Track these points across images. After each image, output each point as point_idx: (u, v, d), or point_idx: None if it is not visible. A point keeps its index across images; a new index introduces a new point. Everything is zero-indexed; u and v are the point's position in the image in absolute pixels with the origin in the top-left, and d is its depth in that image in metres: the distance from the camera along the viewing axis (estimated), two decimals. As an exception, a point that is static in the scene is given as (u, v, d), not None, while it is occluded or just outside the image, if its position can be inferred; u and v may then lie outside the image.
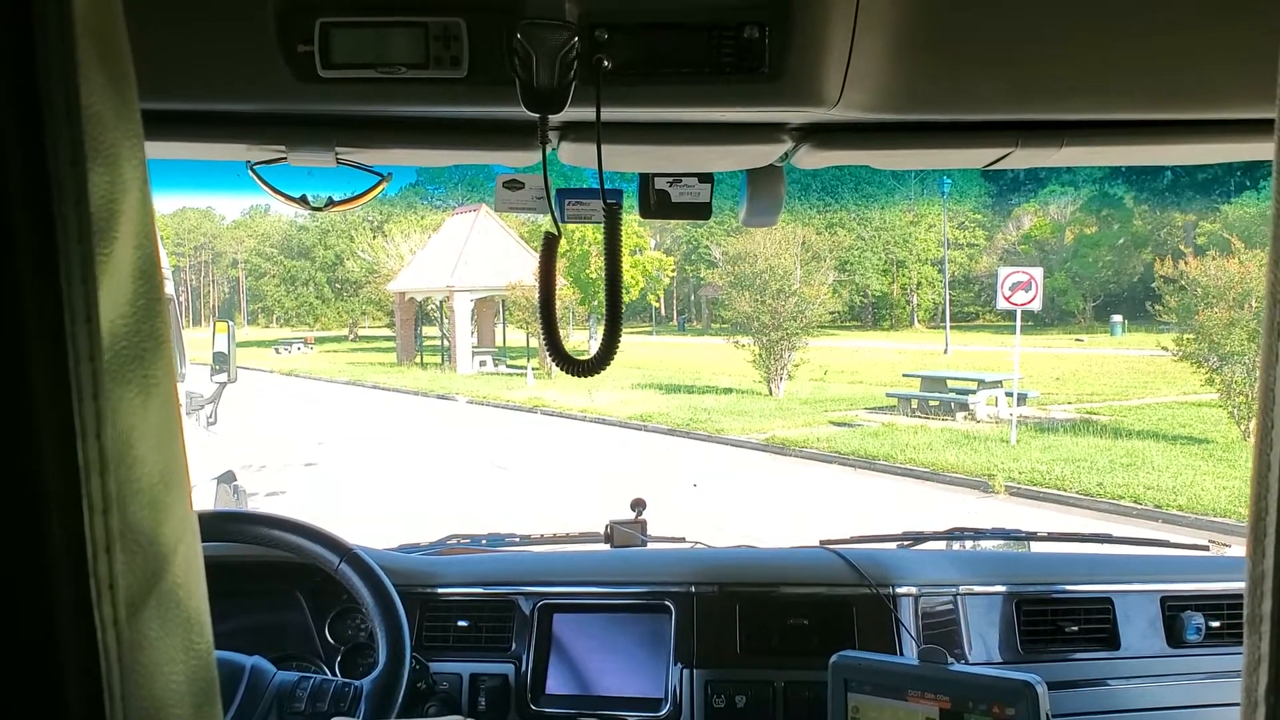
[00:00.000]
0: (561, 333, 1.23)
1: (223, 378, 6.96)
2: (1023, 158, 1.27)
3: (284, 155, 1.23)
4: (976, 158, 1.29)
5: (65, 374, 0.34)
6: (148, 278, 0.38)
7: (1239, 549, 2.35)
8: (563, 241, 1.21)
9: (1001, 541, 2.35)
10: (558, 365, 1.19)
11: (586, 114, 1.04)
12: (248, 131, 1.17)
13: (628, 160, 1.32)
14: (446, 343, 31.49)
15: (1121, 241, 41.50)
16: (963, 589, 1.89)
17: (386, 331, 49.22)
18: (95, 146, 0.35)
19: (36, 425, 0.33)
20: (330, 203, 1.35)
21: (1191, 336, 14.13)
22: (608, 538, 2.27)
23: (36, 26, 0.33)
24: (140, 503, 0.36)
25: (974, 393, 16.89)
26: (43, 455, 0.33)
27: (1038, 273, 15.50)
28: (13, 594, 0.34)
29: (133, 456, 0.36)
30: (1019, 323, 15.98)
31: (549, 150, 1.20)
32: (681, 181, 1.41)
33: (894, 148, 1.24)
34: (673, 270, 35.13)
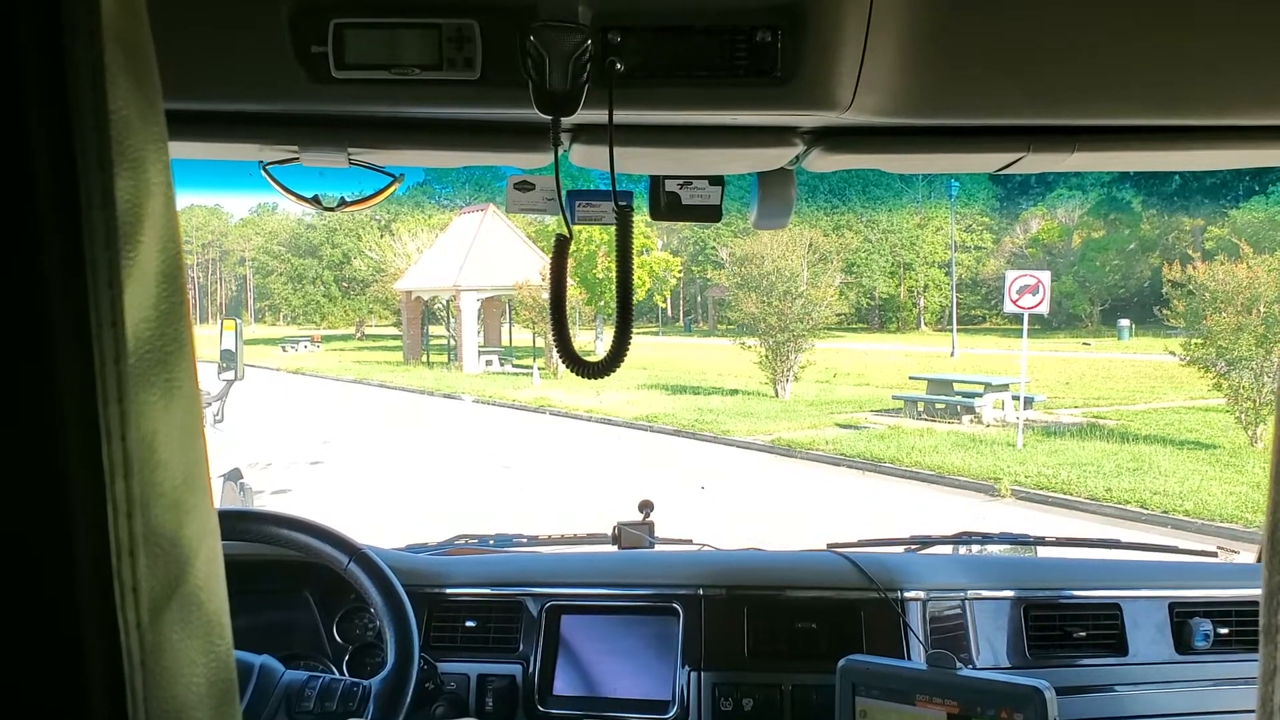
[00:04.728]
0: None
1: (230, 375, 6.96)
2: (1034, 162, 1.26)
3: (296, 155, 1.23)
4: (988, 162, 1.29)
5: (91, 377, 0.34)
6: (171, 281, 0.38)
7: (1248, 555, 2.34)
8: (570, 242, 1.21)
9: (1009, 546, 2.34)
10: (568, 367, 1.19)
11: (599, 116, 1.04)
12: (260, 132, 1.17)
13: (639, 162, 1.32)
14: (453, 342, 31.51)
15: (1129, 246, 41.37)
16: (971, 593, 1.89)
17: (393, 330, 49.25)
18: (121, 150, 0.35)
19: (63, 428, 0.33)
20: (342, 203, 1.35)
21: (1199, 341, 14.10)
22: (615, 539, 2.27)
23: (66, 32, 0.33)
24: (163, 505, 0.37)
25: (980, 396, 16.85)
26: (69, 458, 0.33)
27: (1045, 276, 15.48)
28: (39, 597, 0.34)
29: (156, 459, 0.36)
30: (1026, 326, 15.97)
31: (560, 152, 1.20)
32: (692, 184, 1.41)
33: (905, 151, 1.24)
34: (679, 271, 35.04)
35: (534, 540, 2.34)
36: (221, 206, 75.55)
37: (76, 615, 0.34)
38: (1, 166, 0.32)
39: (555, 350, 1.22)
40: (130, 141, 0.35)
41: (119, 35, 0.35)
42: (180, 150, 1.23)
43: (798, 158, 1.28)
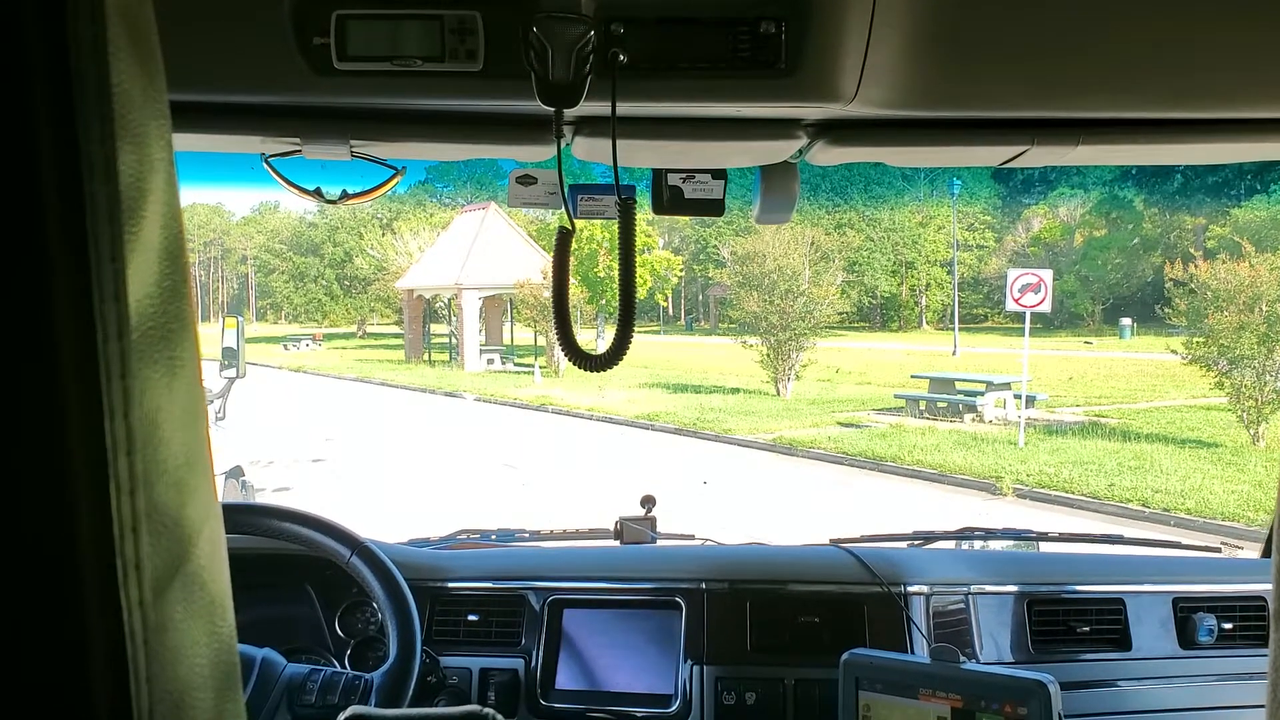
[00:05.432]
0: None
1: (231, 373, 6.98)
2: (1038, 155, 1.26)
3: (298, 148, 1.23)
4: (992, 155, 1.28)
5: (94, 352, 0.33)
6: (174, 259, 0.38)
7: (1252, 551, 2.34)
8: (573, 235, 1.21)
9: (1012, 541, 2.34)
10: (571, 359, 1.19)
11: (601, 108, 1.04)
12: (262, 123, 1.17)
13: (642, 155, 1.32)
14: (454, 340, 31.51)
15: (1131, 244, 41.31)
16: (974, 588, 1.88)
17: (394, 329, 49.27)
18: (124, 125, 0.35)
19: (65, 403, 0.33)
20: (344, 195, 1.35)
21: (1201, 340, 14.10)
22: (617, 534, 2.27)
23: (69, 5, 0.33)
24: (166, 484, 0.36)
25: (982, 394, 16.85)
26: (71, 434, 0.33)
27: (1047, 275, 15.47)
28: (41, 574, 0.34)
29: (159, 437, 0.36)
30: (1028, 325, 15.96)
31: (563, 145, 1.20)
32: (695, 177, 1.40)
33: (909, 145, 1.24)
34: (681, 270, 35.06)
35: (536, 535, 2.34)
36: (223, 205, 75.80)
37: (78, 593, 0.34)
38: (3, 138, 0.32)
39: (558, 343, 1.21)
40: (133, 116, 0.35)
41: (121, 9, 0.35)
42: (181, 143, 1.23)
43: (801, 151, 1.28)
